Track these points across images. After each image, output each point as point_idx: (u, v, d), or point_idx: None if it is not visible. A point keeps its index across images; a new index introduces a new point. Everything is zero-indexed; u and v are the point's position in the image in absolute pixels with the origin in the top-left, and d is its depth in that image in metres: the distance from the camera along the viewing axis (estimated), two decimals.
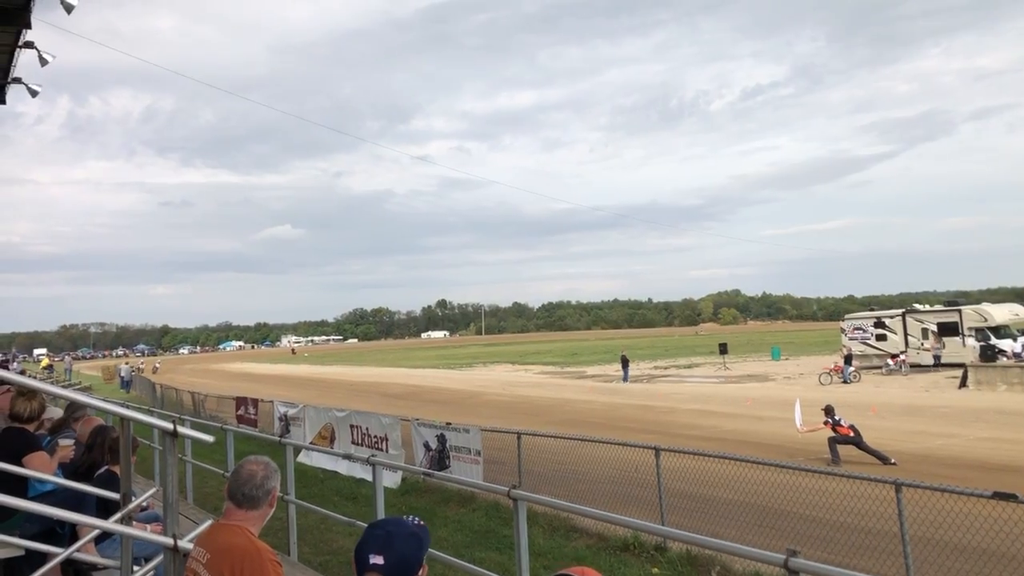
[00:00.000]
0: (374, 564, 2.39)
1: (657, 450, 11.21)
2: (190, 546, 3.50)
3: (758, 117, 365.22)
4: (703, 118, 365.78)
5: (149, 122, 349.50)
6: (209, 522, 3.74)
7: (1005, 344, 36.91)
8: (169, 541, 3.78)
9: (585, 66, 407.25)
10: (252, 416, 24.77)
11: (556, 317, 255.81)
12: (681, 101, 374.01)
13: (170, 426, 3.99)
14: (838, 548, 9.57)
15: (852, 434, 17.83)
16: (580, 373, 56.56)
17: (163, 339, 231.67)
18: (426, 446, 15.75)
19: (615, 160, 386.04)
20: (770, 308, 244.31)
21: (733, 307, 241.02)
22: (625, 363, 47.26)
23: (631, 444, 12.44)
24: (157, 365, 75.60)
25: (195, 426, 13.85)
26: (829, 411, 18.31)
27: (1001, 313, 41.50)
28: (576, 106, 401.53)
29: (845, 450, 17.69)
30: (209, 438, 4.57)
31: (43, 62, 11.71)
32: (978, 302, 48.24)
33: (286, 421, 21.18)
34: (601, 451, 13.03)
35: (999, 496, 7.53)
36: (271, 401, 24.13)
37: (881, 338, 45.09)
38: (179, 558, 3.71)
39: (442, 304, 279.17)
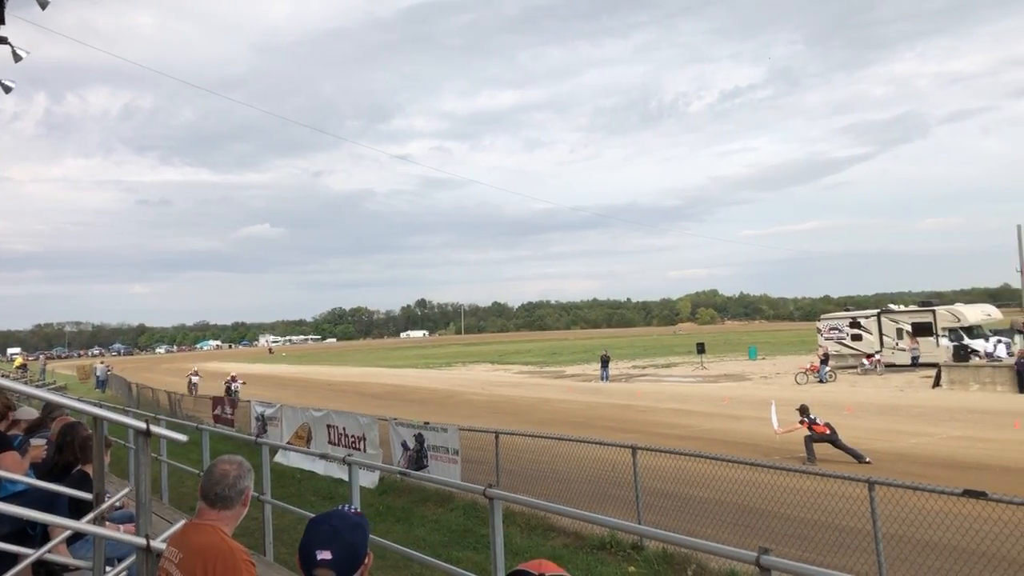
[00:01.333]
0: (322, 560, 2.39)
1: (634, 449, 11.26)
2: (163, 546, 3.49)
3: (736, 119, 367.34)
4: (682, 119, 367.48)
5: (128, 120, 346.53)
6: (183, 522, 3.72)
7: (977, 344, 37.36)
8: (141, 541, 3.76)
9: (565, 67, 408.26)
10: (229, 416, 24.61)
11: (536, 317, 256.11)
12: (660, 102, 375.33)
13: (143, 425, 3.97)
14: (812, 546, 9.65)
15: (828, 432, 17.98)
16: (559, 373, 56.71)
17: (139, 338, 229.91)
18: (404, 446, 15.72)
19: (595, 161, 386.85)
20: (747, 308, 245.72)
21: (711, 307, 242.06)
22: (605, 362, 47.44)
23: (608, 443, 12.47)
24: (239, 382, 39.82)
25: (171, 426, 13.76)
26: (804, 411, 18.47)
27: (974, 313, 42.03)
28: (557, 107, 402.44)
29: (821, 449, 17.84)
30: (182, 437, 4.55)
31: (17, 58, 11.60)
32: (951, 303, 48.74)
33: (263, 421, 21.07)
34: (579, 450, 13.06)
35: (969, 494, 7.63)
36: (248, 401, 24.00)
37: (857, 338, 45.50)
38: (152, 558, 3.69)
39: (422, 304, 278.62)
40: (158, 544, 3.65)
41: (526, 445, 14.61)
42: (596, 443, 12.63)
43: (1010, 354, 34.48)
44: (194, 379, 46.05)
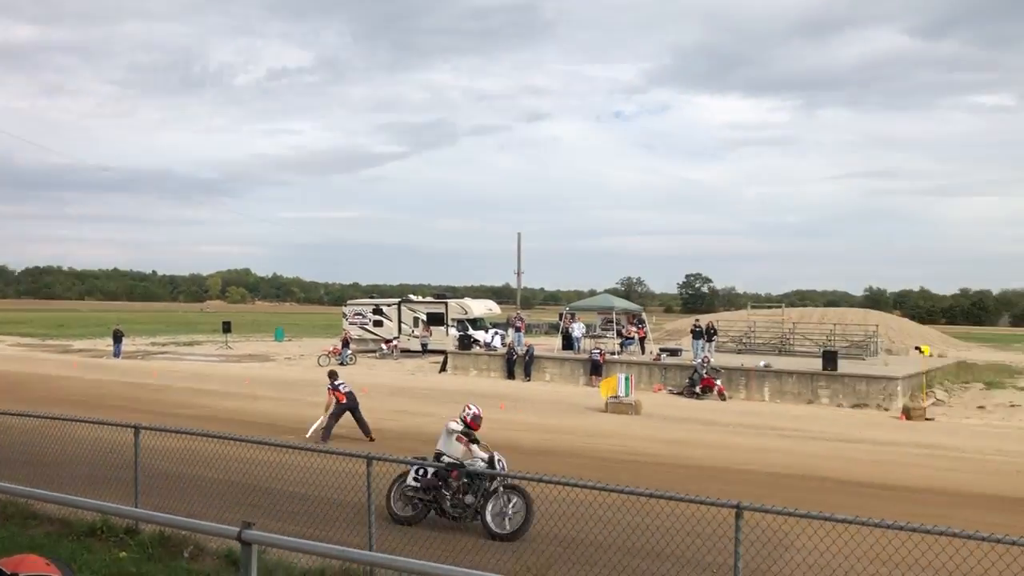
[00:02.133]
0: None
1: (137, 428, 10.67)
2: None
3: (283, 99, 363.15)
4: (226, 91, 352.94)
5: None
6: None
7: (479, 335, 42.14)
8: None
9: (100, 11, 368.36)
10: None
11: (43, 284, 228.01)
12: (205, 69, 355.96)
13: None
14: (311, 520, 10.06)
15: (346, 400, 18.85)
16: (66, 347, 52.10)
17: None
18: None
19: (129, 119, 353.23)
20: (279, 290, 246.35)
21: (242, 286, 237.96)
22: (118, 337, 44.44)
23: (110, 423, 11.70)
24: None
25: None
26: (333, 375, 19.41)
27: (479, 307, 47.52)
28: (86, 53, 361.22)
29: (338, 428, 18.59)
30: None
31: None
32: (463, 297, 54.26)
33: None
34: (77, 430, 12.05)
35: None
36: None
37: (378, 324, 48.33)
38: None
39: None
40: None
41: (12, 425, 13.06)
42: (95, 423, 11.78)
43: (503, 345, 39.32)
44: None
